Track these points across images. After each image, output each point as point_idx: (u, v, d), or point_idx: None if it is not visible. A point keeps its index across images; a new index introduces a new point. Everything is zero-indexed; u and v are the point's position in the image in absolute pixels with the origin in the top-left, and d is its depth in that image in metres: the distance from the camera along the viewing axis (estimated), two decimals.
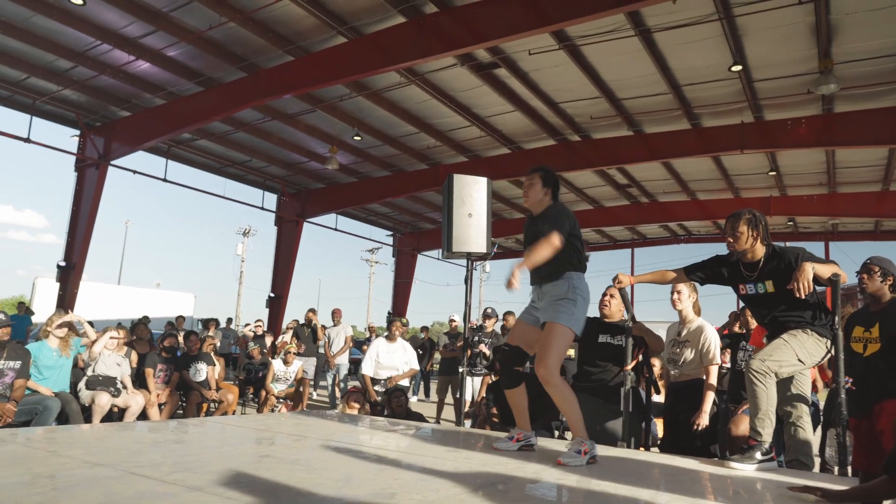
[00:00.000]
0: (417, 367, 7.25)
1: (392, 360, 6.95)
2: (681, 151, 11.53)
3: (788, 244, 3.27)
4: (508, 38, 7.70)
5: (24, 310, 13.34)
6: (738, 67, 8.55)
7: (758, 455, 2.97)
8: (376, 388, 6.79)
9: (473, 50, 8.41)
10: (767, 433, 3.01)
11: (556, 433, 4.96)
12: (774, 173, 13.12)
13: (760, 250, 3.22)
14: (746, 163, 12.69)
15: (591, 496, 2.39)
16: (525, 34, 7.52)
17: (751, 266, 3.25)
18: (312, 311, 10.50)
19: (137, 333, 7.98)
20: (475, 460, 2.96)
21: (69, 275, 11.38)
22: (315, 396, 11.55)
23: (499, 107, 10.66)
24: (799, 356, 3.04)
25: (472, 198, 4.92)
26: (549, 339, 3.03)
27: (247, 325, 14.47)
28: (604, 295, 4.27)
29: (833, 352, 3.07)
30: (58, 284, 11.52)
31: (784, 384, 3.16)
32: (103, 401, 5.99)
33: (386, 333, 7.18)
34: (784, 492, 2.39)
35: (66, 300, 11.13)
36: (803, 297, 2.98)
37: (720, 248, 3.55)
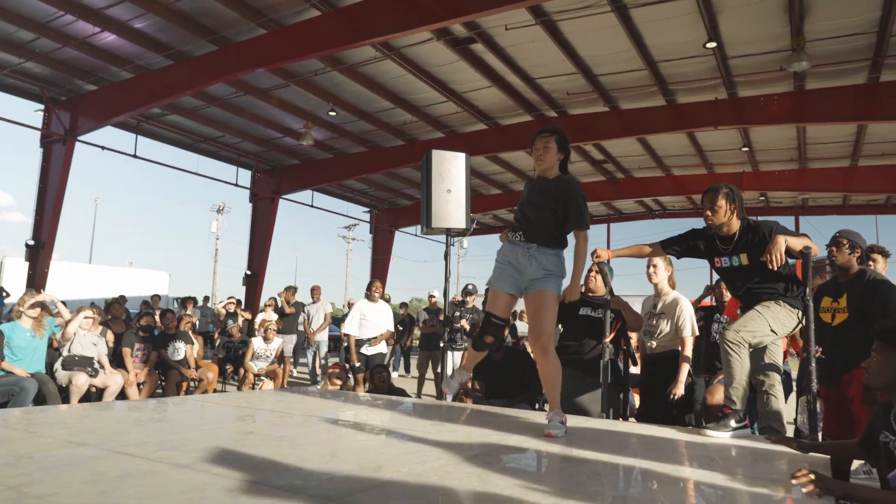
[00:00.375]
0: (392, 329, 7.47)
1: (376, 318, 7.09)
2: (656, 127, 11.61)
3: (760, 218, 3.34)
4: (485, 13, 7.60)
5: None
6: (713, 44, 8.59)
7: (732, 423, 3.07)
8: (361, 349, 6.88)
9: (450, 24, 8.30)
10: (741, 402, 3.12)
11: (537, 405, 5.07)
12: (747, 149, 13.31)
13: (736, 224, 3.29)
14: (720, 139, 12.85)
15: (574, 463, 2.45)
16: (502, 9, 7.43)
17: (726, 239, 3.33)
18: (289, 289, 10.44)
19: (112, 312, 7.87)
20: (458, 433, 3.02)
21: (38, 254, 11.10)
22: (295, 374, 11.55)
23: (475, 82, 10.58)
24: (772, 327, 3.14)
25: (451, 174, 4.92)
26: (544, 309, 3.08)
27: (221, 302, 14.35)
28: (589, 270, 4.33)
29: (804, 322, 3.18)
30: (27, 264, 11.24)
31: (757, 354, 3.26)
32: (81, 381, 5.92)
33: (367, 293, 7.28)
34: (757, 456, 2.48)
35: (36, 280, 10.88)
36: (776, 269, 3.07)
37: (694, 223, 3.61)
